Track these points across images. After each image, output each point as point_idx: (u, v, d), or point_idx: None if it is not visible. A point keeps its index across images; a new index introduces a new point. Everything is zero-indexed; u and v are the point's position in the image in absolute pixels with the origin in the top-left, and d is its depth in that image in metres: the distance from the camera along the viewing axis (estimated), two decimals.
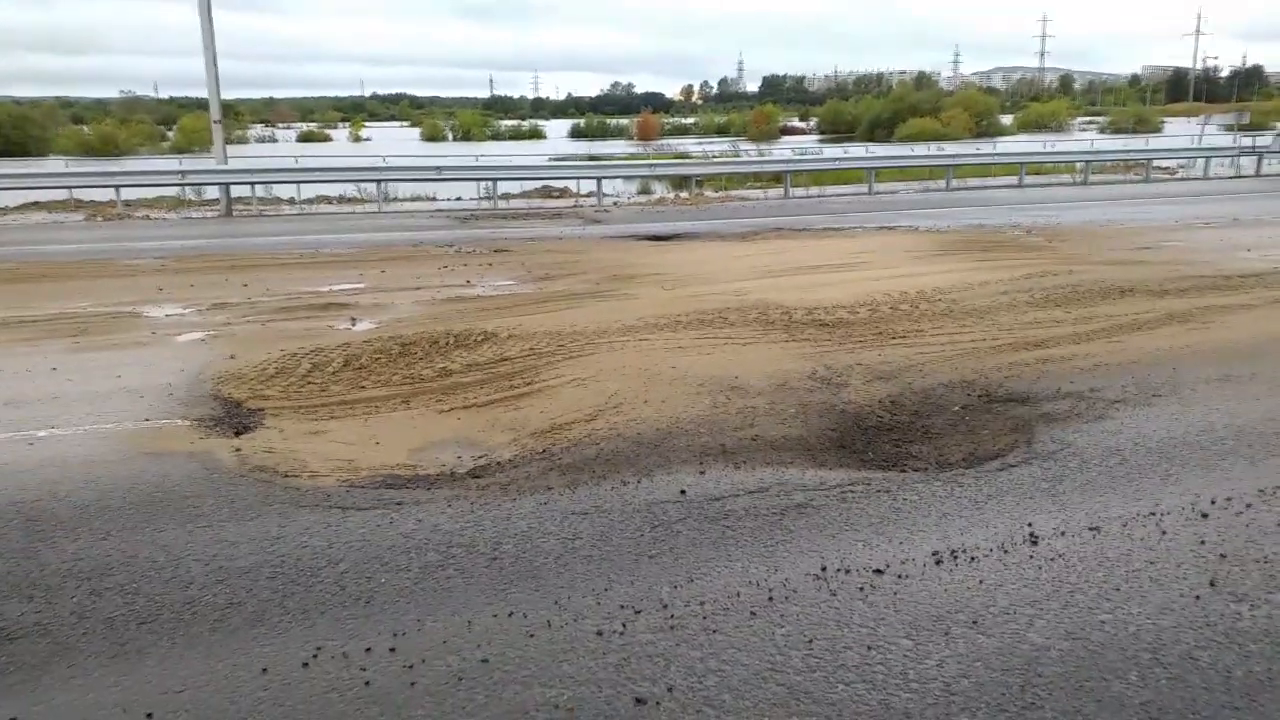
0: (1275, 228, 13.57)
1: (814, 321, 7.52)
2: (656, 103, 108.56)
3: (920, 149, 30.04)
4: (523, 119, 79.20)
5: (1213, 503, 4.16)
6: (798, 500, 4.27)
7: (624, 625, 3.22)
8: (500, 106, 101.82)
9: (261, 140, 52.88)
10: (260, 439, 5.17)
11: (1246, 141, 29.93)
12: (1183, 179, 25.00)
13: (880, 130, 57.16)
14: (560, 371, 6.26)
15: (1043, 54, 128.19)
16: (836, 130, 64.64)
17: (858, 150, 30.01)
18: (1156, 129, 57.77)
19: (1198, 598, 3.35)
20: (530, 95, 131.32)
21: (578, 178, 21.02)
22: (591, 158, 27.91)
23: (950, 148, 30.52)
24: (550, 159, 27.74)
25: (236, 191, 18.81)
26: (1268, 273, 9.53)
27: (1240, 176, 25.00)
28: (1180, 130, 46.82)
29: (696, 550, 3.79)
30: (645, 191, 22.39)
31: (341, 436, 5.20)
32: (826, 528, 4.00)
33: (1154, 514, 4.06)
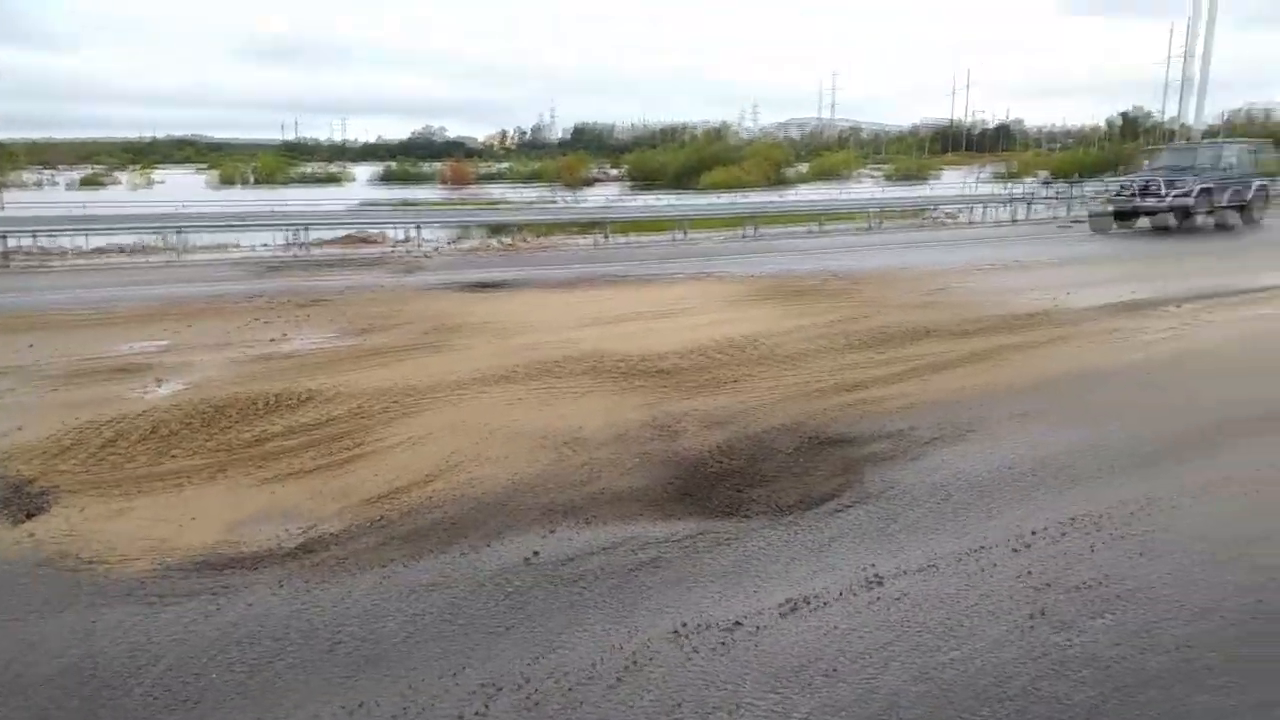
0: (1050, 270, 14.95)
1: (647, 369, 7.59)
2: (467, 148, 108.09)
3: (726, 197, 31.32)
4: (328, 162, 76.77)
5: (1032, 534, 4.44)
6: (649, 556, 4.24)
7: (484, 707, 3.06)
8: (303, 150, 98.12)
9: (39, 185, 48.54)
10: (57, 521, 4.62)
11: (1017, 189, 33.08)
12: (963, 225, 27.21)
13: (686, 179, 59.15)
14: (391, 431, 6.00)
15: (832, 106, 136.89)
16: (645, 178, 66.34)
17: (669, 198, 30.97)
18: (935, 177, 62.79)
19: (1030, 629, 3.55)
20: (336, 138, 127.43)
21: (392, 224, 20.50)
22: (404, 203, 27.32)
23: (753, 195, 32.05)
24: (359, 204, 26.97)
25: (12, 241, 17.12)
26: (1049, 312, 10.44)
27: (1014, 222, 27.48)
28: (956, 178, 51.13)
29: (553, 617, 3.68)
30: (463, 238, 22.12)
31: (150, 514, 4.74)
32: (680, 582, 3.98)
33: (981, 548, 4.29)
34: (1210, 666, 3.26)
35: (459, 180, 57.54)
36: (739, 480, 5.24)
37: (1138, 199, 23.04)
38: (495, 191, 44.92)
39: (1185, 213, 22.28)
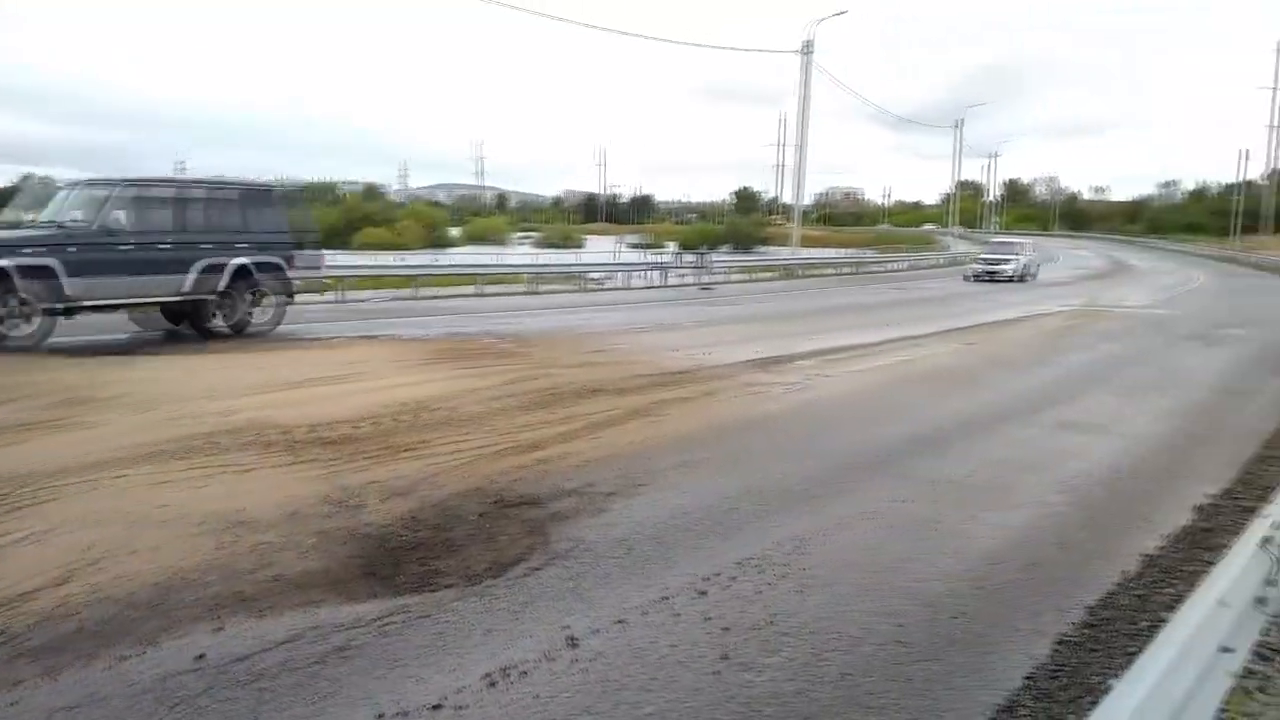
0: (690, 330, 16.27)
1: (318, 439, 7.14)
2: None
3: (386, 258, 30.76)
4: None
5: (707, 579, 4.75)
6: (336, 643, 3.96)
7: None
8: None
9: None
10: None
11: (654, 257, 35.86)
12: (611, 289, 28.86)
13: (337, 239, 57.36)
14: (8, 526, 5.09)
15: (482, 173, 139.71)
16: None
17: (325, 256, 29.68)
18: (581, 244, 66.23)
19: (717, 673, 3.78)
20: None
21: None
22: None
23: (413, 257, 31.78)
24: None
25: None
26: (695, 369, 11.33)
27: (652, 287, 29.62)
28: (599, 246, 54.15)
29: None
30: None
31: None
32: (374, 669, 3.76)
33: (665, 598, 4.51)
34: (871, 691, 3.66)
35: None
36: (427, 551, 5.09)
37: None
38: None
39: None
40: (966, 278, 36.65)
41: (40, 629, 3.97)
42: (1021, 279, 35.59)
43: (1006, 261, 36.06)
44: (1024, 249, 37.88)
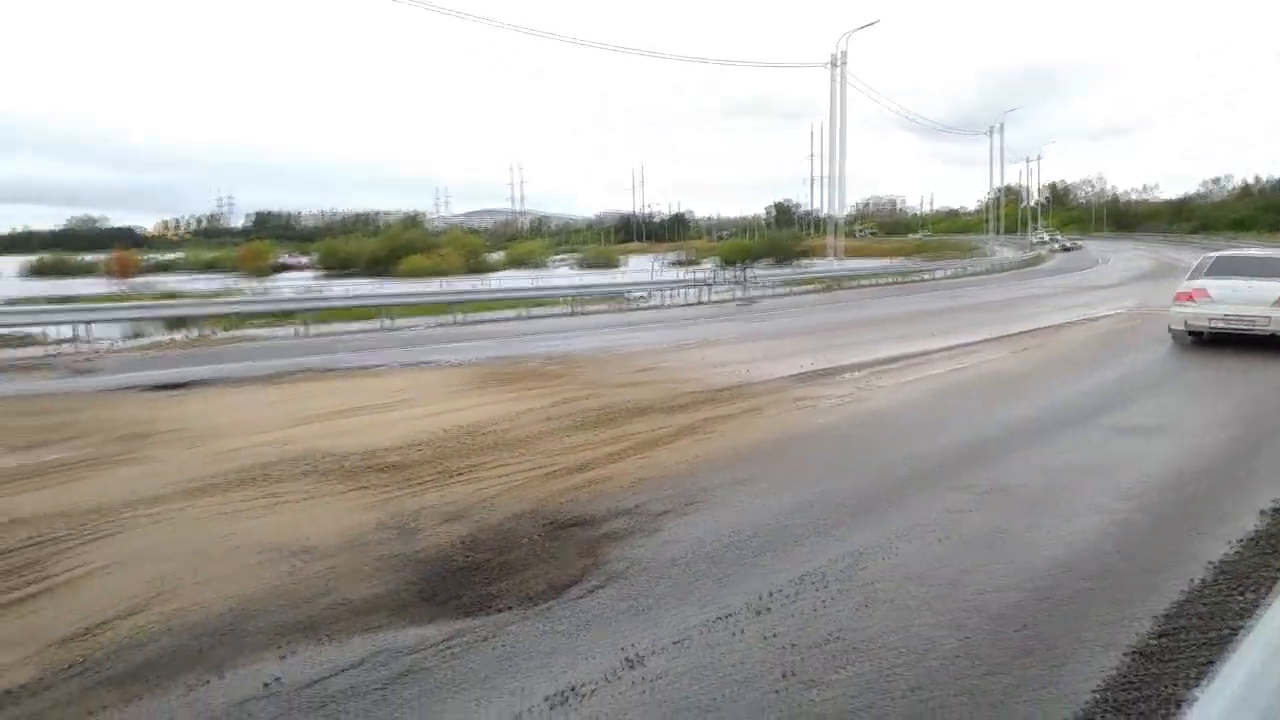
0: (732, 346, 16.19)
1: (371, 467, 7.24)
2: (131, 238, 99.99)
3: (429, 284, 31.16)
4: None
5: (766, 597, 4.72)
6: (402, 667, 4.01)
7: None
8: None
9: None
10: None
11: (698, 273, 35.87)
12: (652, 307, 28.87)
13: (382, 265, 58.46)
14: (81, 559, 5.24)
15: (521, 197, 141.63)
16: (339, 265, 64.59)
17: (367, 286, 30.20)
18: (620, 263, 66.55)
19: (783, 690, 3.75)
20: None
21: (52, 323, 18.18)
22: (65, 299, 24.37)
23: (459, 282, 32.17)
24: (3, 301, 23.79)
25: None
26: (741, 385, 11.28)
27: (693, 304, 29.57)
28: (638, 265, 54.23)
29: None
30: (139, 334, 20.08)
31: None
32: (439, 691, 3.80)
33: (724, 617, 4.49)
34: (942, 705, 3.61)
35: (125, 271, 52.75)
36: (485, 574, 5.13)
37: None
38: (170, 281, 41.51)
39: None
40: None
41: (117, 659, 4.07)
42: None
43: None
44: None
